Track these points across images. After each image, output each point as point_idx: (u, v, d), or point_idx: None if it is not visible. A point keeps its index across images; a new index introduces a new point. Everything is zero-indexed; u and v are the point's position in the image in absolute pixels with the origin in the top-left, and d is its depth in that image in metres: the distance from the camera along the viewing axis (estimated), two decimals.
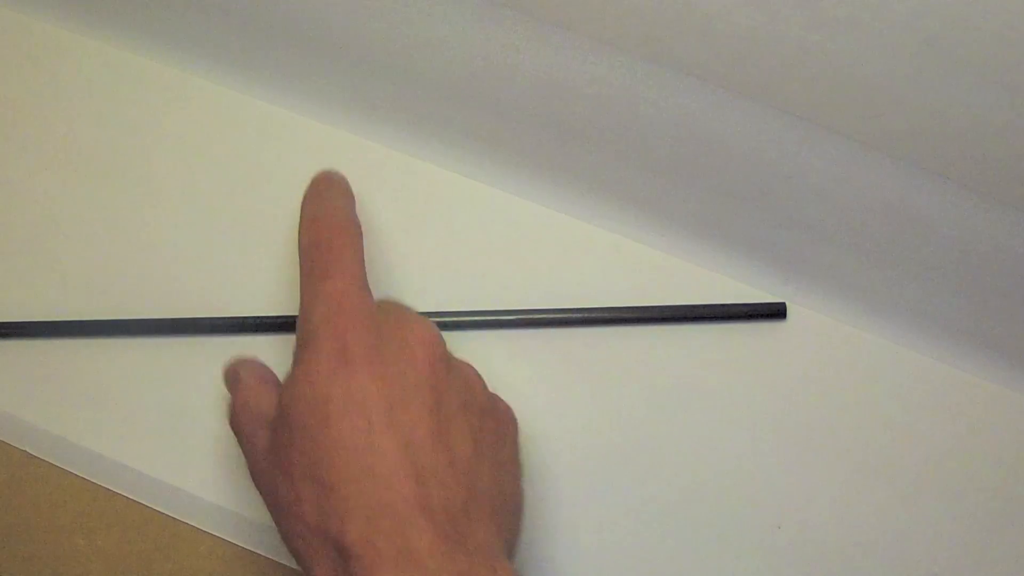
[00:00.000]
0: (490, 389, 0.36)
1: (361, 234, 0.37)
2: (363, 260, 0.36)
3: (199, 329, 0.42)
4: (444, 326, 0.42)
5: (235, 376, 0.37)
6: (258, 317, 0.42)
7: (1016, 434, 0.42)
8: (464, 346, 0.42)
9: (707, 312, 0.43)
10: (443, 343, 0.34)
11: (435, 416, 0.32)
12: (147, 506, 0.40)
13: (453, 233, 0.44)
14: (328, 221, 0.36)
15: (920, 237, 0.41)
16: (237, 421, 0.35)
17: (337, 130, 0.46)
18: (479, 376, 0.36)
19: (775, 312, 0.43)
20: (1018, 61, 0.34)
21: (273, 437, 0.33)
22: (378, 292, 0.43)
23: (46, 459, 0.41)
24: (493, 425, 0.35)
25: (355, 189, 0.45)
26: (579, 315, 0.43)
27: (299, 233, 0.37)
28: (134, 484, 0.40)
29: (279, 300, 0.42)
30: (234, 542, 0.40)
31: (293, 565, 0.39)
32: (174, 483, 0.40)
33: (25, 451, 0.41)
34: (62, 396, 0.41)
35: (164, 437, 0.41)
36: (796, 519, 0.41)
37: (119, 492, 0.40)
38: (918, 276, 0.42)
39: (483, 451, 0.34)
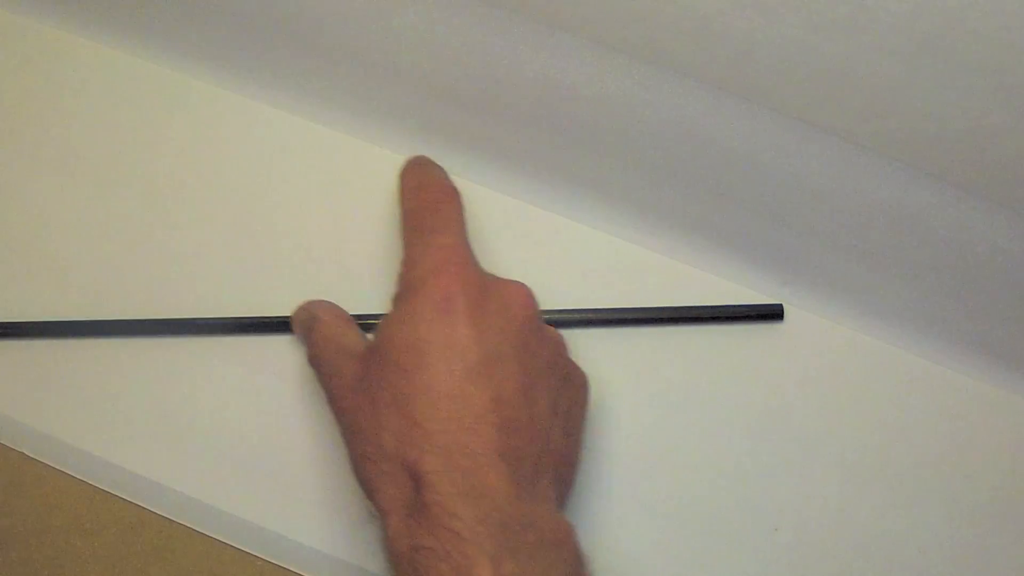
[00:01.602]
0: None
1: (462, 201, 0.39)
2: (465, 223, 0.39)
3: (196, 330, 0.42)
4: None
5: (312, 315, 0.39)
6: (258, 318, 0.42)
7: (1012, 436, 0.42)
8: None
9: (704, 314, 0.43)
10: (537, 306, 0.37)
11: (525, 373, 0.34)
12: (144, 508, 0.40)
13: None
14: (432, 188, 0.40)
15: (917, 239, 0.41)
16: (318, 354, 0.38)
17: (336, 132, 0.46)
18: (563, 341, 0.38)
19: (772, 314, 0.43)
20: (1014, 63, 0.34)
21: (363, 369, 0.35)
22: (377, 293, 0.43)
23: (43, 461, 0.41)
24: (571, 388, 0.37)
25: (354, 191, 0.45)
26: (577, 316, 0.43)
27: (402, 200, 0.40)
28: (131, 486, 0.40)
29: (279, 301, 0.42)
30: (231, 544, 0.40)
31: (291, 567, 0.39)
32: (171, 484, 0.40)
33: (22, 453, 0.41)
34: (59, 397, 0.41)
35: (161, 439, 0.41)
36: (793, 521, 0.41)
37: (116, 494, 0.40)
38: (915, 278, 0.42)
39: (559, 411, 0.36)
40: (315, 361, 0.38)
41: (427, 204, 0.39)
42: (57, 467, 0.41)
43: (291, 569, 0.39)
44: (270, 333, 0.42)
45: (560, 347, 0.38)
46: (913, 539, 0.41)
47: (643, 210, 0.44)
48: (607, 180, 0.44)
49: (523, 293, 0.36)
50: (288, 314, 0.41)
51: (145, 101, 0.46)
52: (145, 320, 0.42)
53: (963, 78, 0.35)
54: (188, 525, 0.40)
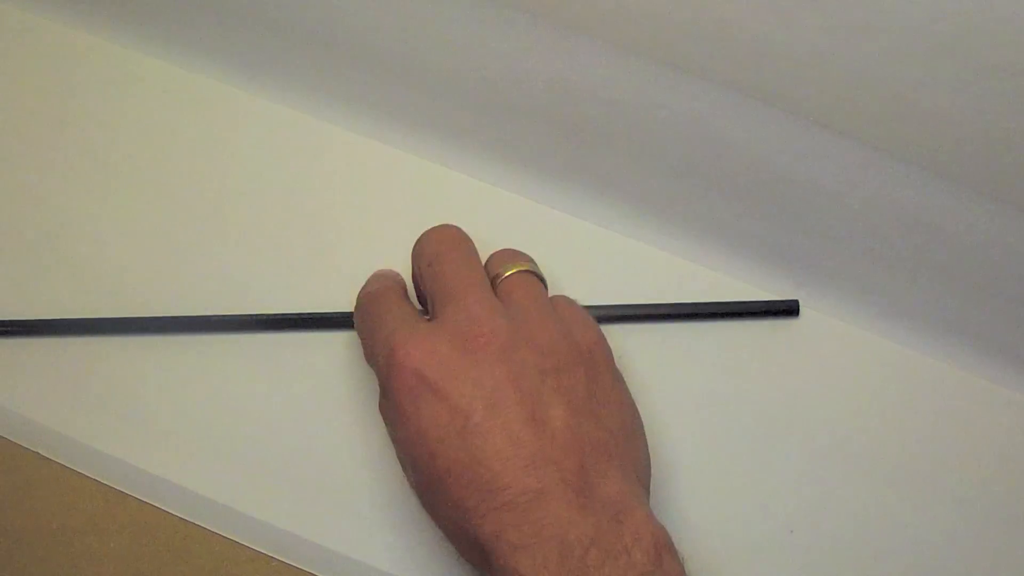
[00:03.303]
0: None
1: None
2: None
3: (211, 327, 0.42)
4: None
5: None
6: (275, 315, 0.42)
7: None
8: None
9: (720, 309, 0.43)
10: (498, 316, 0.34)
11: (521, 399, 0.32)
12: (159, 508, 0.40)
13: None
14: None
15: (932, 242, 0.41)
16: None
17: (346, 131, 0.46)
18: (545, 326, 0.35)
19: (787, 310, 0.43)
20: None
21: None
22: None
23: (58, 461, 0.41)
24: (577, 374, 0.34)
25: (363, 191, 0.45)
26: (597, 312, 0.42)
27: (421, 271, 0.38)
28: (146, 486, 0.40)
29: (294, 297, 0.42)
30: (246, 544, 0.40)
31: (307, 568, 0.39)
32: (186, 485, 0.40)
33: (37, 453, 0.41)
34: (74, 397, 0.41)
35: (176, 438, 0.41)
36: (809, 523, 0.41)
37: (131, 494, 0.40)
38: (930, 281, 0.42)
39: (577, 405, 0.33)
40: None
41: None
42: (73, 467, 0.41)
43: (307, 570, 0.39)
44: (287, 330, 0.42)
45: (539, 340, 0.34)
46: (928, 539, 0.41)
47: (659, 212, 0.44)
48: (623, 182, 0.44)
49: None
50: (294, 311, 0.42)
51: (154, 99, 0.46)
52: (160, 318, 0.42)
53: (980, 81, 0.35)
54: (204, 526, 0.40)
